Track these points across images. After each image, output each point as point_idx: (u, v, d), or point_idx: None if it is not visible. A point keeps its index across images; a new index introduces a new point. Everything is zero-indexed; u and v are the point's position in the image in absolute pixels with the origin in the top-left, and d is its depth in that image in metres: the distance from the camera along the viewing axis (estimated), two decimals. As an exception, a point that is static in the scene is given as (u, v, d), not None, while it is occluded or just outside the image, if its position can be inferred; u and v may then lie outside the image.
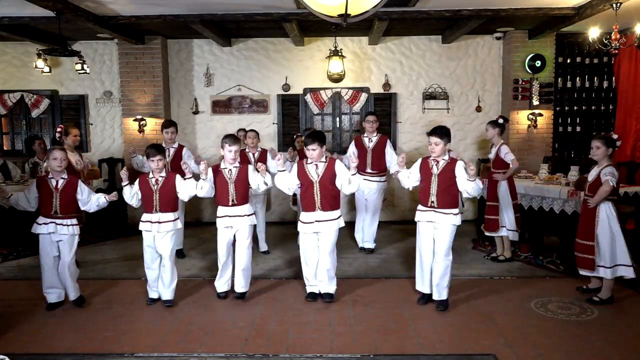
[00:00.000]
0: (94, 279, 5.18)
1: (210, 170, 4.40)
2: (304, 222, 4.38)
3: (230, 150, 4.33)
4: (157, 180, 4.32)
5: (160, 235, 4.31)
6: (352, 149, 6.10)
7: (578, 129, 7.81)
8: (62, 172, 4.30)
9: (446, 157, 4.17)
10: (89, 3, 5.65)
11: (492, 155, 5.56)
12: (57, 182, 4.27)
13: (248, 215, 4.44)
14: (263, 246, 6.12)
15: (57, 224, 4.24)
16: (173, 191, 4.34)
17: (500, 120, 5.56)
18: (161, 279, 4.40)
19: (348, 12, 2.36)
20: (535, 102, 7.45)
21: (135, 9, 6.00)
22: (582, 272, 4.41)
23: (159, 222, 4.30)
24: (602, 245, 4.27)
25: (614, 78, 7.70)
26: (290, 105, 7.94)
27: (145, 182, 4.34)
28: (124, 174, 4.33)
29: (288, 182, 4.42)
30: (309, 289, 4.52)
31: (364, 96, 7.81)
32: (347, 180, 4.28)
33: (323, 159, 4.35)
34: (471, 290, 4.68)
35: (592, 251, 4.28)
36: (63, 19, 5.68)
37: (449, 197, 4.14)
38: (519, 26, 7.18)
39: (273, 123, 7.95)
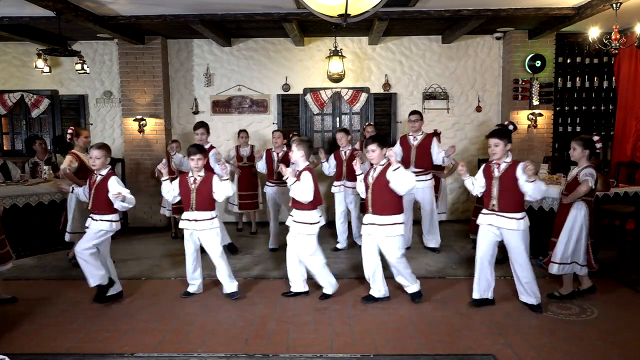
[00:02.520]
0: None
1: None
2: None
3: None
4: (195, 179, 4.44)
5: (201, 233, 4.44)
6: (396, 148, 6.04)
7: (578, 129, 7.81)
8: (100, 169, 4.40)
9: (508, 160, 4.08)
10: (89, 3, 5.65)
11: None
12: (96, 178, 4.41)
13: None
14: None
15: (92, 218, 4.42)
16: (210, 191, 4.43)
17: (510, 127, 5.49)
18: (218, 274, 4.56)
19: (348, 12, 2.37)
20: (535, 102, 7.45)
21: (135, 9, 6.00)
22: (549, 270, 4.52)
23: (196, 220, 4.41)
24: (561, 241, 4.32)
25: (614, 78, 7.70)
26: (290, 105, 7.94)
27: (185, 181, 4.48)
28: (163, 169, 4.51)
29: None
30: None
31: (364, 96, 7.81)
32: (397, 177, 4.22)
33: (382, 162, 4.31)
34: (471, 290, 4.66)
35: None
36: (63, 19, 5.68)
37: (512, 200, 4.05)
38: (519, 26, 7.18)
39: (273, 123, 7.95)
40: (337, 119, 8.00)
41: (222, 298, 4.56)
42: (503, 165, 4.07)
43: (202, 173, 4.46)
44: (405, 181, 4.12)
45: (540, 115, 7.52)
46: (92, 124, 8.00)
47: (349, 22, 2.46)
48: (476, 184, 4.29)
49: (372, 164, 4.39)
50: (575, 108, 7.85)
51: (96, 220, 4.35)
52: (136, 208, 7.82)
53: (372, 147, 4.25)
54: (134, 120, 7.59)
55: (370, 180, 4.32)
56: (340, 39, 7.43)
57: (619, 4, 5.02)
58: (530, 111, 7.52)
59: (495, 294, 4.55)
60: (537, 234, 5.87)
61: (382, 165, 4.28)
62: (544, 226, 5.76)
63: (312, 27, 7.02)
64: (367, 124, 7.33)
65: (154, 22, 6.35)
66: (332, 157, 6.17)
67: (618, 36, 5.00)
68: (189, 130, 7.96)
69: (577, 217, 4.29)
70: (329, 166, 6.11)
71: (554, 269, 4.37)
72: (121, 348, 3.57)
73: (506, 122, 5.74)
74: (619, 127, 7.53)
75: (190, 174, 4.48)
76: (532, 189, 3.90)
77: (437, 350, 3.51)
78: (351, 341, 3.67)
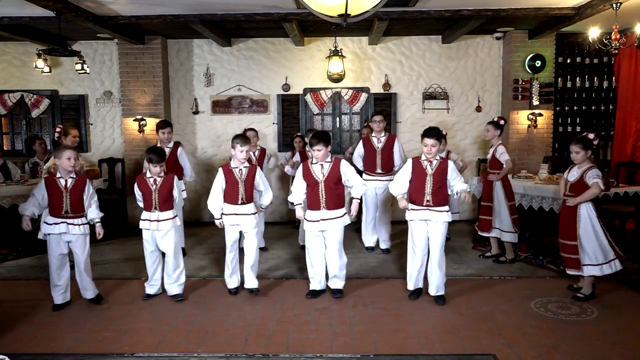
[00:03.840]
0: (94, 279, 5.14)
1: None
2: (310, 221, 4.46)
3: (241, 151, 4.44)
4: (155, 180, 4.41)
5: (160, 233, 4.41)
6: (359, 150, 6.12)
7: (578, 129, 7.81)
8: (72, 171, 4.30)
9: (440, 156, 4.34)
10: (89, 3, 5.65)
11: (489, 156, 5.57)
12: (66, 181, 4.27)
13: (254, 214, 4.56)
14: (261, 242, 6.14)
15: (68, 223, 4.25)
16: (171, 191, 4.45)
17: (502, 122, 5.56)
18: (167, 275, 4.51)
19: (348, 12, 2.37)
20: (535, 102, 7.45)
21: (135, 9, 6.00)
22: (570, 272, 4.49)
23: (159, 221, 4.38)
24: (585, 245, 4.34)
25: (614, 78, 7.69)
26: (290, 105, 7.94)
27: (144, 182, 4.43)
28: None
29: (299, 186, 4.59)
30: (311, 286, 4.63)
31: (364, 96, 7.81)
32: (360, 183, 4.50)
33: (328, 159, 4.44)
34: (471, 290, 4.68)
35: (576, 251, 4.37)
36: (63, 19, 5.68)
37: (443, 194, 4.30)
38: (519, 26, 7.18)
39: (273, 123, 7.95)
40: (337, 119, 8.00)
41: (222, 298, 4.55)
42: (435, 162, 4.25)
43: (162, 174, 4.44)
44: (360, 184, 4.52)
45: (540, 115, 7.52)
46: (92, 124, 8.00)
47: (349, 22, 2.46)
48: (401, 188, 4.42)
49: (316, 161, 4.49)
50: (575, 108, 7.84)
51: (77, 224, 4.27)
52: (136, 208, 7.86)
53: (318, 147, 4.34)
54: (134, 120, 7.59)
55: (321, 177, 4.40)
56: (340, 39, 7.43)
57: (619, 4, 5.02)
58: (530, 111, 7.52)
59: (496, 293, 4.56)
60: (537, 234, 5.89)
61: (330, 162, 4.42)
62: (544, 226, 5.77)
63: (312, 27, 7.02)
64: (366, 123, 7.33)
65: (154, 22, 6.35)
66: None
67: (618, 36, 5.00)
68: (189, 130, 7.97)
69: (590, 216, 4.32)
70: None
71: (595, 270, 4.34)
72: (121, 348, 3.57)
73: (496, 118, 5.74)
74: (619, 127, 7.52)
75: (148, 175, 4.44)
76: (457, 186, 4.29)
77: (437, 350, 3.51)
78: (351, 341, 3.66)
